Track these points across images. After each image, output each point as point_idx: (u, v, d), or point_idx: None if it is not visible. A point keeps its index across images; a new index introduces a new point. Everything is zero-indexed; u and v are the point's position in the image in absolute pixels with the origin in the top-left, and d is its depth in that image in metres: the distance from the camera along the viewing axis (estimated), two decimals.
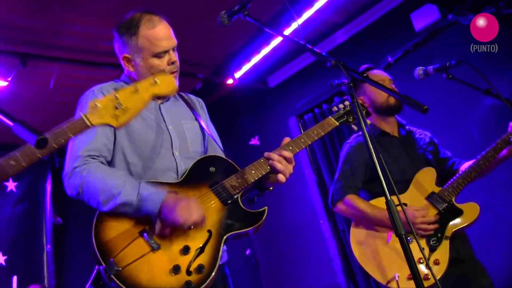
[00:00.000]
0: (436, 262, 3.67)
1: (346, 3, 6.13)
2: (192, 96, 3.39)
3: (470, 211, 3.82)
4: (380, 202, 3.94)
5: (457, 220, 3.80)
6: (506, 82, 5.44)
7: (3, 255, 6.78)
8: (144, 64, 2.96)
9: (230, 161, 3.03)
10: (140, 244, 2.57)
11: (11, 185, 7.21)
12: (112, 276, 2.43)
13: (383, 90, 2.74)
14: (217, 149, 3.16)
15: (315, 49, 2.81)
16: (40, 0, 5.10)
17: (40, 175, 7.49)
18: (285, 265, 7.61)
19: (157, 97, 2.18)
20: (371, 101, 4.15)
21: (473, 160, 3.94)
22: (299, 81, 7.29)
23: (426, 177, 3.97)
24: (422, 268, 3.68)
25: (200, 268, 2.57)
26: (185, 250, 2.59)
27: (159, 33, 2.95)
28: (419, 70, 3.83)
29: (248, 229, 2.78)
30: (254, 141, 7.92)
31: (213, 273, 2.59)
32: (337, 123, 3.13)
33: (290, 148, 2.92)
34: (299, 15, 5.88)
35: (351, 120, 3.18)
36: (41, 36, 5.61)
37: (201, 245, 2.64)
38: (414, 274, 2.26)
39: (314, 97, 7.14)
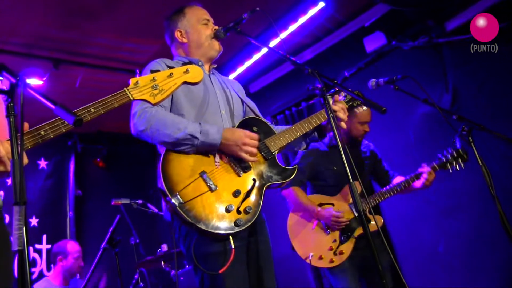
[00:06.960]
0: (341, 252, 3.93)
1: (314, 29, 6.19)
2: (231, 79, 3.43)
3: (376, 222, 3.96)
4: (314, 198, 4.19)
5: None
6: (435, 96, 5.59)
7: (36, 218, 6.82)
8: (195, 31, 3.05)
9: (269, 124, 3.02)
10: (200, 183, 2.56)
11: (42, 163, 7.20)
12: (177, 207, 2.42)
13: (349, 94, 2.79)
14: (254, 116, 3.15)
15: (295, 59, 2.83)
16: (70, 16, 5.13)
17: (65, 157, 7.50)
18: None
19: (187, 84, 2.14)
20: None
21: (392, 185, 4.16)
22: (274, 89, 7.26)
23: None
24: (331, 254, 3.93)
25: (248, 209, 2.59)
26: (237, 192, 2.60)
27: (199, 8, 3.16)
28: (372, 82, 3.83)
29: (284, 181, 2.82)
30: None
31: (257, 214, 2.62)
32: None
33: None
34: (276, 35, 5.89)
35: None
36: (71, 45, 5.63)
37: (248, 190, 2.66)
38: (366, 231, 2.30)
39: (286, 101, 7.14)
